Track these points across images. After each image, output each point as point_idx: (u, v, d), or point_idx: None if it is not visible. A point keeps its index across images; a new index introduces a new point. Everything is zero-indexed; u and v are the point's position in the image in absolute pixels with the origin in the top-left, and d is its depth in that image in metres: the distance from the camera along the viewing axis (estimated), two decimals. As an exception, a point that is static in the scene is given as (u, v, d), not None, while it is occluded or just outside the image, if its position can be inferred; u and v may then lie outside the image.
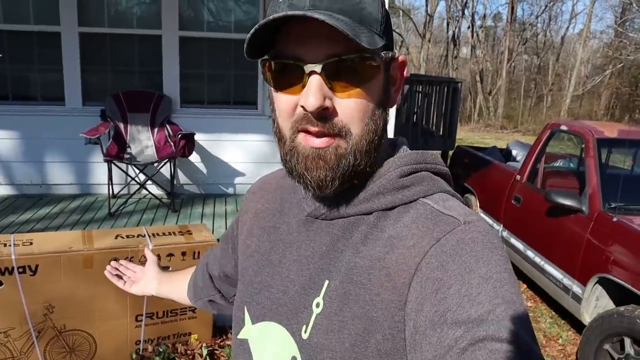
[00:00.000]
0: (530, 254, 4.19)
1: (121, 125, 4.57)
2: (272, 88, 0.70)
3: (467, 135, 16.53)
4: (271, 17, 0.61)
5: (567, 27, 38.29)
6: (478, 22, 24.38)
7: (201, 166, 4.92)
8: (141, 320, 3.16)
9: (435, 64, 25.57)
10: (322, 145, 0.66)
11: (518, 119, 22.43)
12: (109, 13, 4.71)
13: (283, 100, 0.68)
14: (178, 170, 4.75)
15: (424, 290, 0.60)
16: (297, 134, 0.68)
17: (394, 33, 0.69)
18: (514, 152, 6.24)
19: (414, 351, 0.58)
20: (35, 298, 2.85)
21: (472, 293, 0.57)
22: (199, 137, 4.56)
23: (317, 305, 0.69)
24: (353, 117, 0.65)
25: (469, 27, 23.76)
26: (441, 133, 7.61)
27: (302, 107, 0.65)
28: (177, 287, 1.19)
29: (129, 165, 4.48)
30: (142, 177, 4.53)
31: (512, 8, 22.47)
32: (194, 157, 4.74)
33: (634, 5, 19.87)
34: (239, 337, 0.83)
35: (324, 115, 0.65)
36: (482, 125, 21.47)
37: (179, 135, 4.31)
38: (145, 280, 1.24)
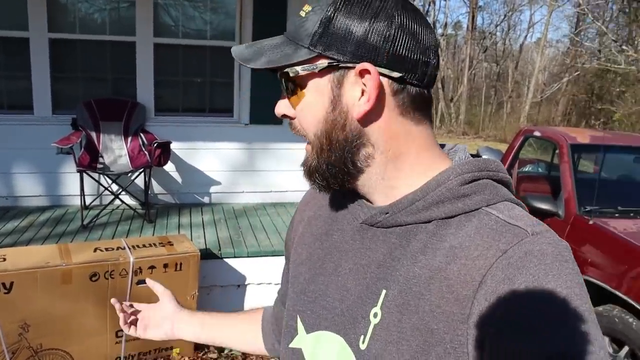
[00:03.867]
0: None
1: (93, 135, 4.44)
2: None
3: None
4: (233, 54, 0.73)
5: (526, 36, 39.42)
6: (439, 31, 24.85)
7: (176, 175, 4.82)
8: (122, 336, 3.05)
9: (398, 71, 25.82)
10: (305, 149, 0.75)
11: (479, 125, 22.93)
12: (81, 19, 4.57)
13: None
14: (153, 179, 4.63)
15: (489, 303, 0.58)
16: None
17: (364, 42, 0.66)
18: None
19: None
20: (9, 317, 2.72)
21: (541, 308, 0.56)
22: (173, 146, 4.46)
23: (375, 315, 0.68)
24: (303, 122, 0.72)
25: (431, 35, 24.15)
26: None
27: None
28: (241, 333, 1.07)
29: (102, 176, 4.34)
30: (115, 187, 4.40)
31: (473, 17, 23.02)
32: (169, 166, 4.63)
33: (589, 15, 20.62)
34: (290, 345, 0.81)
35: (289, 121, 0.75)
36: (445, 131, 21.86)
37: (155, 144, 4.20)
38: (169, 321, 1.08)
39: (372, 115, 0.68)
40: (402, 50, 0.66)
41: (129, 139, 4.52)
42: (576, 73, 21.09)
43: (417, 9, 0.69)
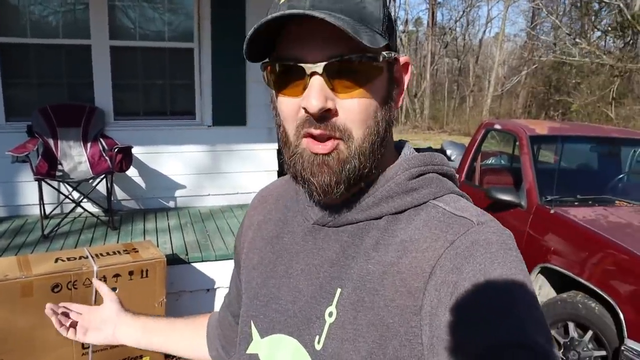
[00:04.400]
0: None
1: (51, 141, 4.31)
2: (273, 91, 0.69)
3: (395, 137, 16.90)
4: (271, 17, 0.60)
5: (484, 31, 40.23)
6: (400, 27, 25.12)
7: (139, 180, 4.72)
8: (88, 347, 2.97)
9: (361, 68, 26.01)
10: (325, 151, 0.65)
11: (443, 119, 23.28)
12: (33, 22, 4.43)
13: (285, 103, 0.67)
14: (115, 185, 4.53)
15: (440, 294, 0.59)
16: (301, 139, 0.66)
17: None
18: (448, 152, 6.44)
19: (432, 356, 0.57)
20: (-32, 333, 2.62)
21: (488, 296, 0.56)
22: (135, 150, 4.37)
23: (330, 314, 0.67)
24: (355, 119, 0.64)
25: (392, 32, 24.40)
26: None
27: (304, 108, 0.64)
28: (186, 339, 1.04)
29: (62, 183, 4.22)
30: (76, 194, 4.28)
31: (433, 13, 23.36)
32: (131, 171, 4.54)
33: (543, 10, 21.14)
34: (247, 352, 0.80)
35: (326, 116, 0.64)
36: (410, 126, 22.12)
37: (116, 150, 4.11)
38: (111, 325, 1.04)
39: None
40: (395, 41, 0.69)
41: (89, 144, 4.41)
42: (534, 66, 21.63)
43: None
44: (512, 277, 0.57)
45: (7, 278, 2.68)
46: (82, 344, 2.94)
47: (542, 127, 4.55)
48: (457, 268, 0.59)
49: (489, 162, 5.89)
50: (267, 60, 0.68)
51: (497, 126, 4.85)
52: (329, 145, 0.65)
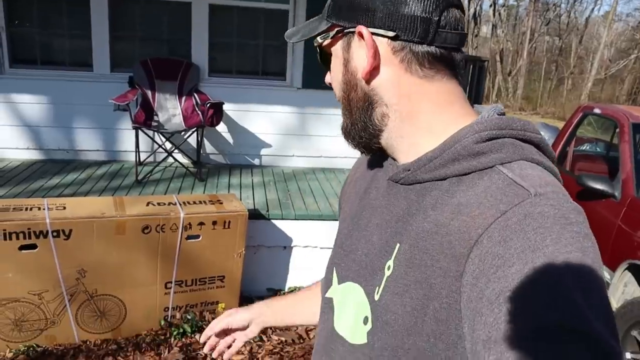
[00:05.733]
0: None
1: (149, 93, 4.54)
2: None
3: (484, 116, 16.30)
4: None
5: (592, 9, 37.42)
6: (500, 1, 23.90)
7: (228, 136, 4.89)
8: (170, 288, 3.17)
9: (455, 42, 25.12)
10: None
11: (537, 101, 22.12)
12: (140, -22, 4.65)
13: None
14: (205, 139, 4.73)
15: (483, 264, 0.57)
16: None
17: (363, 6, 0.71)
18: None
19: (467, 326, 0.57)
20: (68, 262, 2.87)
21: (536, 275, 0.52)
22: (226, 107, 4.52)
23: (389, 268, 0.70)
24: (335, 88, 0.79)
25: (491, 6, 23.32)
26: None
27: None
28: (306, 308, 1.11)
29: (156, 133, 4.46)
30: (169, 145, 4.51)
31: (537, -13, 21.95)
32: (221, 127, 4.71)
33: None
34: (326, 295, 0.86)
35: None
36: (501, 105, 21.18)
37: (208, 104, 4.27)
38: (253, 319, 1.15)
39: (377, 74, 0.72)
40: (396, 10, 0.68)
41: (183, 98, 4.61)
42: (646, 50, 19.93)
43: None
44: (566, 254, 0.53)
45: (104, 216, 2.90)
46: (165, 284, 3.14)
47: (647, 115, 4.23)
48: (504, 241, 0.56)
49: (583, 148, 5.56)
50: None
51: (597, 110, 4.56)
52: None
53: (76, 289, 2.94)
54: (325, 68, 0.82)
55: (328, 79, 0.81)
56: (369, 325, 0.72)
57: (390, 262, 0.70)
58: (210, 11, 4.67)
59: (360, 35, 0.70)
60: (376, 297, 0.71)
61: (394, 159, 0.78)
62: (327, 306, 0.85)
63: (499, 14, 23.55)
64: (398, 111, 0.72)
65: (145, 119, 4.41)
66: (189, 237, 3.10)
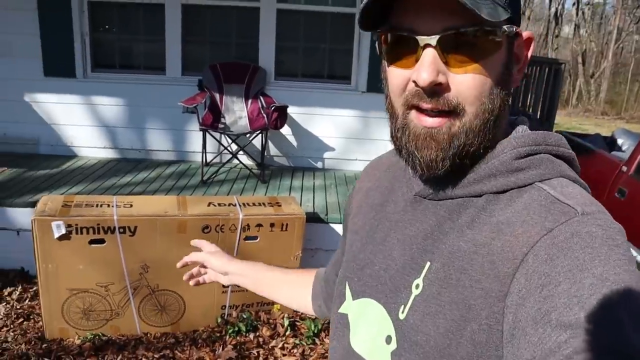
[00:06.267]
0: (634, 252, 3.88)
1: (217, 96, 4.68)
2: (385, 62, 0.68)
3: (563, 120, 15.59)
4: None
5: (690, 6, 34.73)
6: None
7: (292, 139, 4.96)
8: (228, 287, 3.25)
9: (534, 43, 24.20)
10: (435, 125, 0.64)
11: (622, 105, 20.79)
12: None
13: (395, 75, 0.66)
14: (269, 142, 4.81)
15: (529, 283, 0.55)
16: (409, 110, 0.66)
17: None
18: (619, 141, 5.78)
19: (511, 346, 0.54)
20: (133, 257, 3.01)
21: (584, 294, 0.51)
22: (291, 110, 4.58)
23: (417, 286, 0.67)
24: (468, 95, 0.62)
25: (574, 4, 22.18)
26: (538, 116, 7.21)
27: (414, 82, 0.63)
28: (291, 290, 1.11)
29: (223, 135, 4.59)
30: (234, 147, 4.63)
31: (627, -17, 20.69)
32: (285, 130, 4.78)
33: None
34: (339, 311, 0.82)
35: (437, 91, 0.62)
36: (581, 110, 20.14)
37: (272, 108, 4.35)
38: (231, 273, 1.14)
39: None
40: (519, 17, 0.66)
41: (249, 101, 4.71)
42: None
43: None
44: (614, 276, 0.52)
45: (167, 214, 3.01)
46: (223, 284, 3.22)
47: None
48: (551, 259, 0.55)
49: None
50: (380, 29, 0.66)
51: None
52: (438, 120, 0.63)
53: (139, 283, 3.07)
54: (453, 64, 0.62)
55: (442, 78, 0.61)
56: (393, 345, 0.68)
57: (419, 281, 0.67)
58: (278, 15, 4.75)
59: (529, 42, 0.67)
60: (401, 316, 0.68)
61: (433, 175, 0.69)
62: (342, 322, 0.81)
63: (583, 12, 22.38)
64: (499, 123, 0.67)
65: (213, 121, 4.55)
66: (247, 238, 3.16)
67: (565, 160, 0.67)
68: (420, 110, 0.64)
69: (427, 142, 0.64)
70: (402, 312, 0.68)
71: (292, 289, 1.11)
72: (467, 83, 0.61)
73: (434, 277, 0.65)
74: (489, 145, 0.66)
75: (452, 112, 0.63)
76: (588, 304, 0.50)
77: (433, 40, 0.60)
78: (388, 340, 0.69)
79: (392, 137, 0.70)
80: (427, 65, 0.60)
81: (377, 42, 0.68)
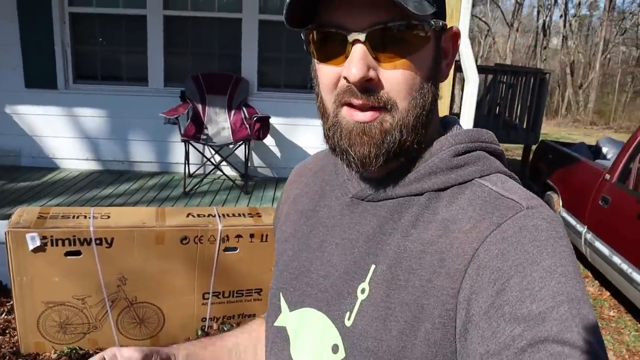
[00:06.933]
0: (616, 259, 3.89)
1: (199, 107, 4.67)
2: (314, 60, 0.67)
3: (552, 130, 15.72)
4: None
5: (674, 17, 35.24)
6: (572, 11, 23.01)
7: (275, 150, 4.95)
8: (208, 299, 3.21)
9: (522, 54, 24.47)
10: (367, 119, 0.62)
11: (610, 115, 21.02)
12: (192, -4, 4.82)
13: (326, 72, 0.65)
14: (252, 152, 4.80)
15: (481, 279, 0.56)
16: (340, 107, 0.64)
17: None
18: (604, 150, 5.83)
19: (464, 340, 0.55)
20: (110, 269, 2.97)
21: (534, 287, 0.52)
22: (274, 121, 4.58)
23: (363, 291, 0.65)
24: (399, 90, 0.62)
25: (561, 16, 22.48)
26: (525, 126, 7.28)
27: (345, 78, 0.62)
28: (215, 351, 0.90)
29: (205, 146, 4.58)
30: (217, 158, 4.62)
31: (612, -5, 20.99)
32: (269, 141, 4.78)
33: None
34: (275, 324, 0.78)
35: (368, 87, 0.61)
36: (570, 120, 20.33)
37: (255, 118, 4.34)
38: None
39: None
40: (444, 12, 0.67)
41: (232, 112, 4.71)
42: None
43: None
44: (561, 268, 0.54)
45: (145, 225, 2.98)
46: (203, 295, 3.19)
47: None
48: (502, 254, 0.56)
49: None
50: (308, 27, 0.65)
51: (664, 124, 4.27)
52: (370, 114, 0.62)
53: (117, 295, 3.03)
54: (383, 59, 0.61)
55: (372, 73, 0.60)
56: (341, 354, 0.66)
57: (365, 285, 0.65)
58: (260, 26, 4.77)
59: (456, 36, 0.68)
60: (347, 323, 0.65)
61: (364, 174, 0.70)
62: (279, 336, 0.76)
63: (570, 24, 22.66)
64: (431, 118, 0.67)
65: (195, 132, 4.54)
66: (226, 249, 3.13)
67: (497, 157, 0.68)
68: (351, 106, 0.63)
69: (360, 137, 0.63)
70: (349, 318, 0.65)
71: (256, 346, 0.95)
72: (397, 78, 0.61)
73: (381, 280, 0.63)
74: (422, 141, 0.65)
75: (384, 107, 0.62)
76: (539, 297, 0.51)
77: (362, 35, 0.59)
78: (335, 349, 0.67)
79: (324, 136, 0.69)
80: (356, 61, 0.59)
81: (304, 41, 0.67)
